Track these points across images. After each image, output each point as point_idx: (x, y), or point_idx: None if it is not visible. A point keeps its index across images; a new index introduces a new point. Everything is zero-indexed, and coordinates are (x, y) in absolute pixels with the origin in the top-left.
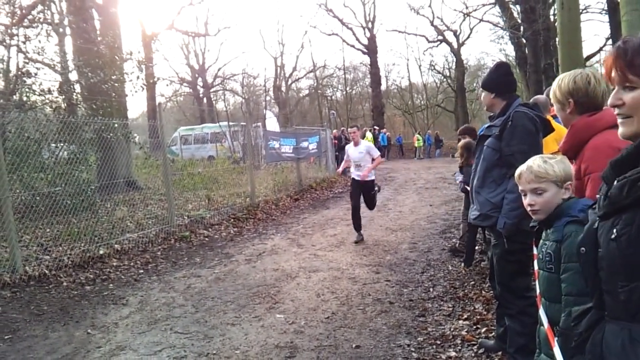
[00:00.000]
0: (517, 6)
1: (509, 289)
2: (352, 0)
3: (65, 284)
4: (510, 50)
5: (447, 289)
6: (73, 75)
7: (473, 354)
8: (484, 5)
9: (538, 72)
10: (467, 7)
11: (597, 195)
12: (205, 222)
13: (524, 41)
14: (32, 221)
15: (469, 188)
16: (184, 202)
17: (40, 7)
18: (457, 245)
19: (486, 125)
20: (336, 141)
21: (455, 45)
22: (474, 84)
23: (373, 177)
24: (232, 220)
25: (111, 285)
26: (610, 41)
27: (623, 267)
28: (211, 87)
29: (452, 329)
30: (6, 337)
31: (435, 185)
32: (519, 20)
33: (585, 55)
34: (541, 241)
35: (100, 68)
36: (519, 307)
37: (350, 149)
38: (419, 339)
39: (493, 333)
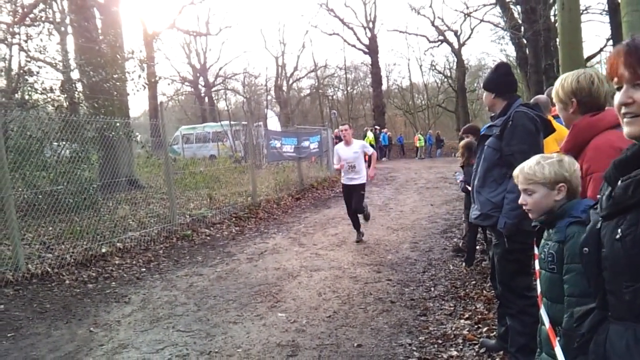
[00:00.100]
0: (518, 7)
1: (509, 288)
2: (353, 0)
3: (67, 282)
4: (511, 50)
5: (448, 289)
6: (75, 74)
7: (474, 354)
8: (484, 5)
9: (539, 73)
10: (467, 8)
11: (598, 196)
12: (207, 221)
13: (525, 42)
14: (35, 219)
15: (469, 188)
16: (186, 201)
17: (42, 6)
18: (460, 244)
19: (487, 125)
20: (337, 140)
21: (456, 45)
22: (475, 84)
23: (364, 181)
24: (233, 219)
25: (113, 283)
26: (610, 42)
27: (628, 267)
28: (213, 87)
29: (453, 329)
30: (9, 335)
31: (436, 184)
32: (520, 21)
33: (585, 55)
34: (543, 241)
35: (102, 67)
36: (520, 306)
37: (341, 149)
38: (420, 338)
39: (494, 332)
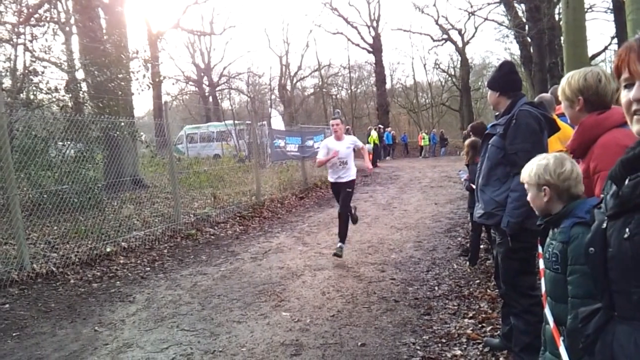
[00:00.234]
0: (522, 5)
1: (513, 287)
2: None
3: (72, 281)
4: (515, 49)
5: (452, 288)
6: (79, 74)
7: (478, 353)
8: (488, 4)
9: (543, 71)
10: (472, 6)
11: (602, 195)
12: (211, 220)
13: (529, 40)
14: (40, 219)
15: (474, 186)
16: (190, 200)
17: (46, 6)
18: (467, 245)
19: (491, 124)
20: None
21: (460, 44)
22: (479, 83)
23: (354, 177)
24: (237, 218)
25: (118, 282)
26: (615, 40)
27: (637, 267)
28: (217, 86)
29: (457, 328)
30: (14, 334)
31: (440, 183)
32: (524, 19)
33: (590, 54)
34: (547, 240)
35: (107, 67)
36: (524, 305)
37: (332, 144)
38: (424, 337)
39: (498, 332)
